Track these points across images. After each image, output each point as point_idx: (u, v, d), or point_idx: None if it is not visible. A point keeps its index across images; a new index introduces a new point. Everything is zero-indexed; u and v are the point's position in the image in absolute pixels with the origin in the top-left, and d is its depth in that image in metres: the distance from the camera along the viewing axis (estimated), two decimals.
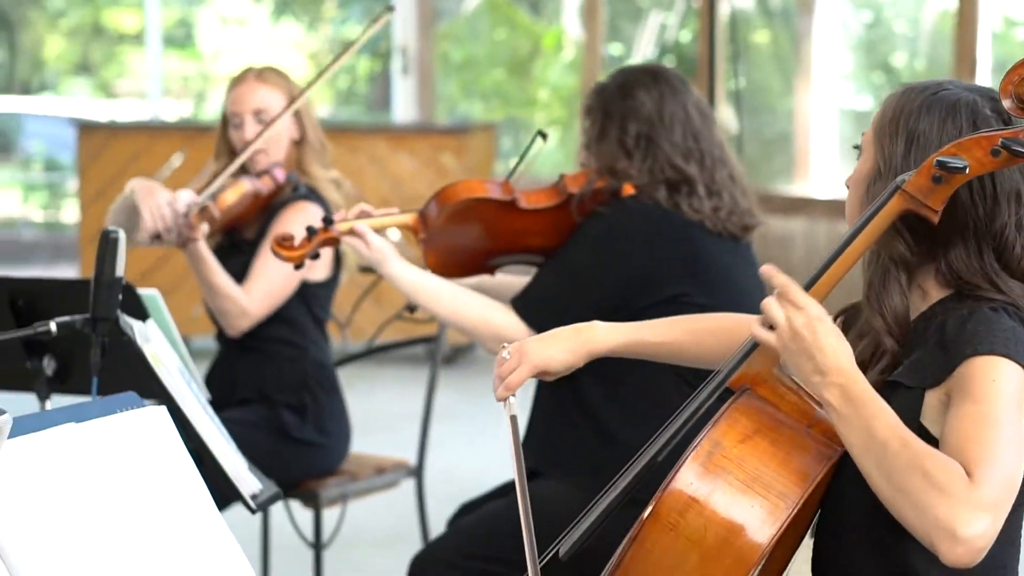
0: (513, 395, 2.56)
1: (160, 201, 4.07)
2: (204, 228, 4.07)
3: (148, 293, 3.63)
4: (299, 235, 3.49)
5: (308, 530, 4.41)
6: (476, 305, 3.45)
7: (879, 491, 2.12)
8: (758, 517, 2.16)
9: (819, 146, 9.03)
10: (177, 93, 15.73)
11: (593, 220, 3.57)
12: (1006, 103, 2.16)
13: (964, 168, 2.14)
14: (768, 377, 2.27)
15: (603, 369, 2.94)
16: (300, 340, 4.31)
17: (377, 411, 7.75)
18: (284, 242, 3.48)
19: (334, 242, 3.49)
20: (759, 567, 2.15)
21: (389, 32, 11.16)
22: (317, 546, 4.29)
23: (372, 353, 4.88)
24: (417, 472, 4.58)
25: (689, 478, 2.18)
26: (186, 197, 4.10)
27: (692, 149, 3.60)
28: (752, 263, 3.61)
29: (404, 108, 11.01)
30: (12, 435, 2.45)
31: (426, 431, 4.58)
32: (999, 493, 2.08)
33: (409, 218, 3.54)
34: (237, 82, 4.39)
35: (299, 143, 4.40)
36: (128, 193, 4.18)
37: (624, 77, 3.66)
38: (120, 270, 3.11)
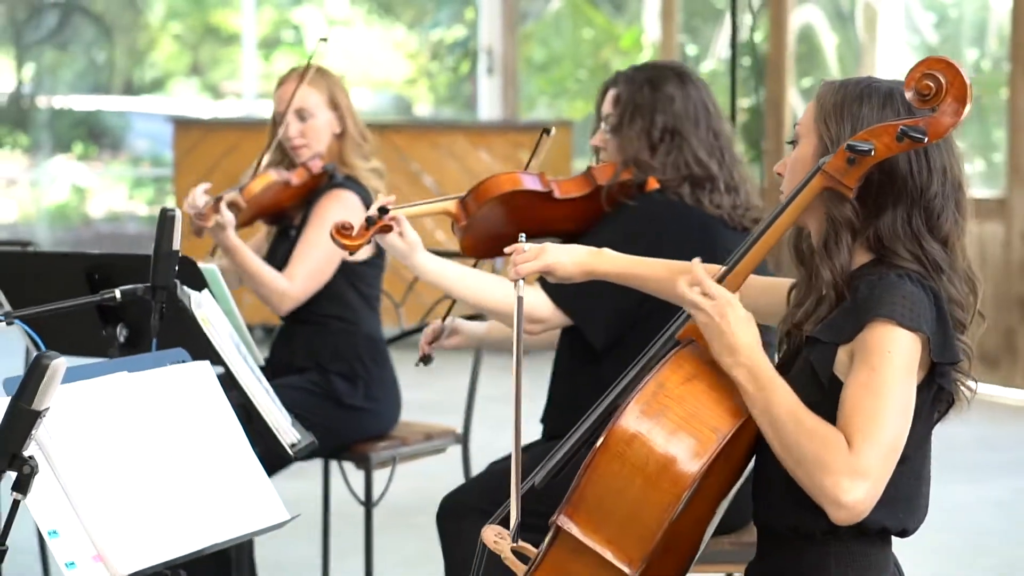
0: (522, 279, 2.95)
1: (187, 200, 4.50)
2: (228, 218, 4.45)
3: (207, 267, 4.04)
4: (357, 224, 3.70)
5: (361, 490, 4.80)
6: (500, 287, 3.68)
7: (779, 458, 2.51)
8: (692, 448, 2.52)
9: None
10: None
11: (622, 212, 3.82)
12: (908, 95, 2.51)
13: (870, 151, 2.50)
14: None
15: (625, 354, 3.19)
16: (351, 315, 4.72)
17: (427, 383, 8.20)
18: (343, 231, 3.68)
19: (388, 229, 3.73)
20: (692, 489, 2.51)
21: (475, 34, 11.56)
22: (367, 504, 4.70)
23: (423, 330, 5.26)
24: (463, 439, 4.96)
25: (635, 413, 2.55)
26: (201, 190, 4.50)
27: (714, 146, 3.83)
28: None
29: (489, 107, 11.42)
30: (74, 379, 2.86)
31: (472, 401, 4.96)
32: (878, 461, 2.46)
33: (451, 206, 3.82)
34: (282, 82, 4.82)
35: (340, 136, 4.80)
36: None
37: (652, 72, 3.86)
38: (176, 244, 3.52)
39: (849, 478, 2.44)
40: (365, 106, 17.10)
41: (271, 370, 4.71)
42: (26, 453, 2.47)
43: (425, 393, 7.72)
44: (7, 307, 4.17)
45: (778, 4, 9.46)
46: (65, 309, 3.56)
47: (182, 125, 9.84)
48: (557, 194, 3.88)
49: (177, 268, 3.61)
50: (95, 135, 16.74)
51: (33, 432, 2.47)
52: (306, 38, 17.27)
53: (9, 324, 3.55)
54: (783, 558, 2.64)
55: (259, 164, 4.70)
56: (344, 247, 3.69)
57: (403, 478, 5.05)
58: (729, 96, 6.11)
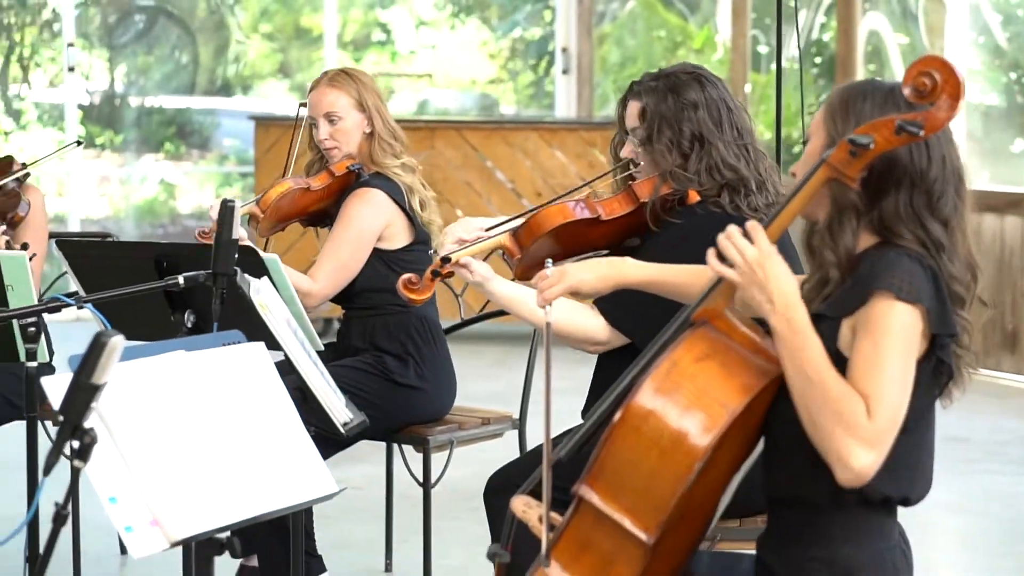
0: (550, 305, 3.12)
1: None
2: (242, 232, 4.62)
3: (269, 256, 4.25)
4: (424, 277, 3.85)
5: (420, 473, 4.99)
6: (567, 312, 3.80)
7: (801, 416, 2.66)
8: (703, 423, 2.68)
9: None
10: None
11: (669, 231, 3.86)
12: (906, 91, 2.68)
13: (869, 144, 2.66)
14: (723, 313, 2.80)
15: None
16: (400, 300, 4.92)
17: (495, 375, 8.43)
18: (411, 285, 3.84)
19: (451, 274, 3.85)
20: (703, 461, 2.68)
21: (552, 34, 11.74)
22: (425, 485, 4.89)
23: (482, 319, 5.47)
24: (520, 424, 5.14)
25: (650, 390, 2.72)
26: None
27: (739, 144, 3.90)
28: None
29: (566, 105, 11.60)
30: (133, 357, 3.06)
31: (528, 388, 5.15)
32: (886, 428, 2.63)
33: (505, 239, 3.90)
34: (312, 87, 5.06)
35: (370, 136, 5.01)
36: None
37: (671, 79, 3.90)
38: (236, 233, 3.74)
39: (861, 445, 2.60)
40: (452, 105, 17.34)
41: (333, 354, 4.94)
42: (86, 424, 2.66)
43: (493, 384, 7.93)
44: (81, 293, 4.40)
45: (846, 5, 9.57)
46: (131, 294, 3.78)
47: (262, 123, 10.09)
48: (604, 216, 3.94)
49: (239, 257, 3.84)
50: (184, 134, 17.06)
51: (93, 404, 2.66)
52: (396, 38, 17.51)
53: (80, 308, 3.77)
54: (790, 528, 2.80)
55: (285, 171, 4.95)
56: (412, 301, 3.86)
57: (464, 463, 5.23)
58: (799, 94, 6.21)
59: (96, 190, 15.88)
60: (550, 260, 3.21)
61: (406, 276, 3.85)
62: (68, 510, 2.69)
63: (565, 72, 11.64)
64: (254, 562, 4.96)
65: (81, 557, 5.32)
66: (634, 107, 3.97)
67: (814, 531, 2.77)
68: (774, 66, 6.24)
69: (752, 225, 2.74)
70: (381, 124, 5.00)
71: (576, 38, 11.59)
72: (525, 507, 2.91)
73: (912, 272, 2.69)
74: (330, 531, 5.76)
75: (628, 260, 3.24)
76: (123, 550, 5.62)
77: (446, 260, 3.78)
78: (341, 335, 5.07)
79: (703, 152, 3.87)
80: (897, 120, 2.66)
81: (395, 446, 5.27)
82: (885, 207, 2.77)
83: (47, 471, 2.67)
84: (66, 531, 5.14)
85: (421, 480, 4.91)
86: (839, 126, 2.79)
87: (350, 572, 5.42)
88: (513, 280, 3.96)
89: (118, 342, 2.65)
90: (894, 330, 2.65)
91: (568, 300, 3.79)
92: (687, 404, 2.70)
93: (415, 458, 5.02)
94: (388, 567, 5.48)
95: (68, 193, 12.83)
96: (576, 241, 3.97)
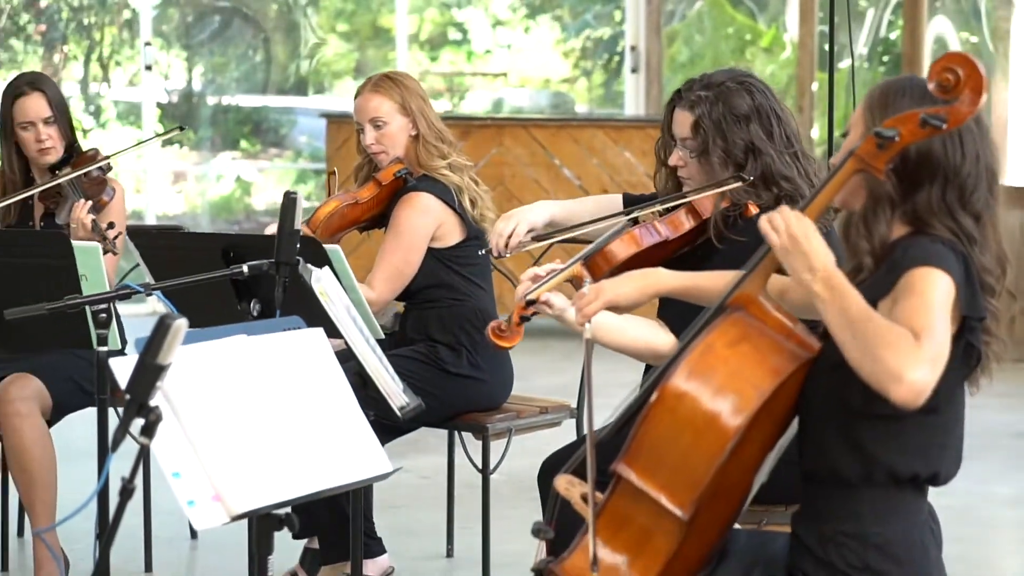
0: (589, 322, 3.24)
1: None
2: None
3: (331, 247, 4.40)
4: (511, 323, 3.79)
5: (479, 460, 5.13)
6: (641, 333, 3.82)
7: (849, 354, 2.74)
8: (735, 404, 2.81)
9: (1016, 138, 9.45)
10: (441, 91, 16.64)
11: (735, 249, 3.87)
12: (930, 86, 2.79)
13: (895, 137, 2.78)
14: (756, 299, 2.92)
15: None
16: (457, 294, 5.08)
17: (561, 368, 8.56)
18: (500, 333, 3.82)
19: (536, 313, 3.80)
20: (735, 441, 2.80)
21: (622, 33, 11.86)
22: (484, 471, 5.03)
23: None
24: (577, 413, 5.27)
25: (685, 373, 2.85)
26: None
27: (789, 152, 3.96)
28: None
29: (635, 104, 11.72)
30: (198, 340, 3.21)
31: (584, 377, 5.26)
32: (935, 354, 2.71)
33: (578, 269, 3.87)
34: (357, 93, 5.19)
35: (416, 138, 5.14)
36: None
37: (719, 89, 3.93)
38: (298, 224, 3.90)
39: (913, 359, 2.68)
40: (526, 104, 17.46)
41: (391, 344, 5.09)
42: (152, 403, 2.81)
43: (559, 378, 8.06)
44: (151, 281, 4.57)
45: (913, 4, 9.63)
46: (198, 282, 3.94)
47: (334, 121, 10.26)
48: (670, 237, 4.00)
49: (302, 247, 3.99)
50: (259, 132, 17.30)
51: (158, 384, 2.81)
52: (472, 38, 17.67)
53: (148, 295, 3.94)
54: (823, 504, 2.92)
55: (328, 188, 5.11)
56: (500, 347, 3.85)
57: (525, 454, 5.37)
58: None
59: (172, 187, 16.13)
60: (588, 278, 3.31)
61: (494, 324, 3.84)
62: (134, 484, 2.81)
63: (634, 71, 11.76)
64: (316, 544, 5.12)
65: (152, 541, 5.51)
66: (683, 117, 4.01)
67: (845, 508, 2.89)
68: (841, 65, 6.33)
69: (787, 209, 2.86)
70: (426, 127, 5.12)
71: (645, 37, 11.70)
72: (568, 485, 3.03)
73: (944, 254, 2.81)
74: (396, 518, 5.92)
75: (661, 269, 3.35)
76: (193, 534, 5.79)
77: (530, 303, 3.78)
78: (401, 328, 5.22)
79: (757, 163, 3.94)
80: (921, 114, 2.77)
81: (456, 437, 5.42)
82: (919, 200, 2.88)
83: (114, 447, 2.80)
84: (137, 516, 5.38)
85: (480, 467, 5.05)
86: (877, 120, 2.90)
87: (413, 558, 5.57)
88: None
89: (181, 324, 2.79)
90: (936, 289, 2.76)
91: (632, 317, 3.81)
92: (720, 386, 2.82)
93: (476, 447, 5.16)
94: (450, 552, 5.63)
95: (145, 190, 13.06)
96: (644, 265, 4.00)
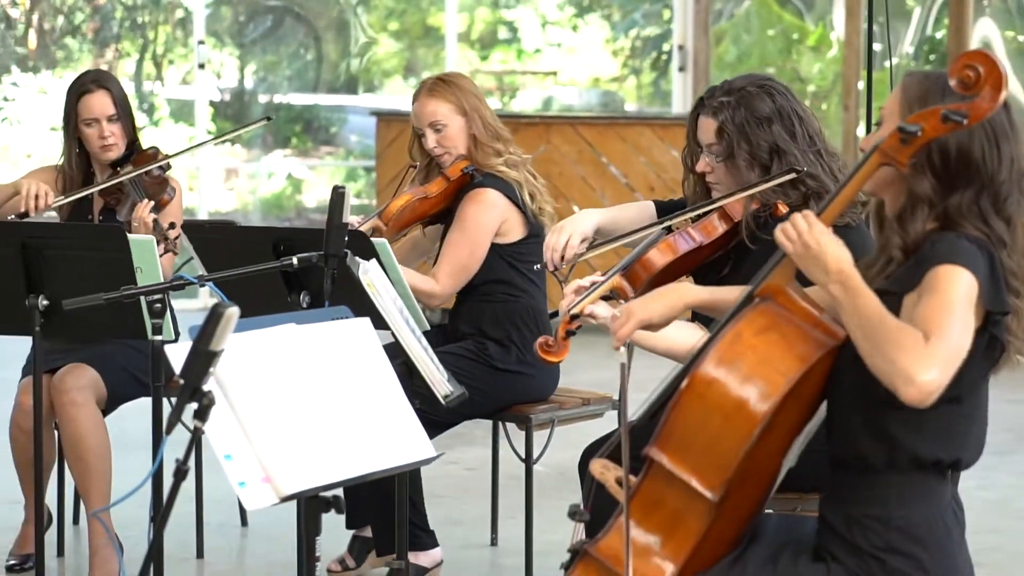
0: (624, 346, 3.34)
1: None
2: (354, 219, 4.89)
3: (379, 240, 4.53)
4: (558, 337, 3.95)
5: (523, 450, 5.25)
6: (680, 335, 3.81)
7: (863, 353, 2.87)
8: (763, 390, 2.92)
9: None
10: (492, 89, 16.78)
11: (765, 247, 3.82)
12: (952, 82, 2.89)
13: (917, 132, 2.88)
14: (784, 289, 3.03)
15: None
16: (513, 290, 5.19)
17: (609, 365, 8.65)
18: (548, 348, 3.97)
19: (579, 327, 3.96)
20: (763, 425, 2.91)
21: (670, 32, 11.95)
22: (527, 461, 5.15)
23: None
24: (619, 404, 5.38)
25: (714, 360, 2.96)
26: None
27: (813, 151, 4.06)
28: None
29: (682, 102, 11.82)
30: (249, 328, 3.33)
31: (621, 398, 5.37)
32: (947, 355, 2.83)
33: (617, 281, 4.04)
34: (414, 98, 5.30)
35: (473, 138, 5.26)
36: None
37: (741, 94, 4.05)
38: (346, 218, 4.03)
39: (922, 361, 2.80)
40: (576, 103, 17.57)
41: (442, 338, 5.22)
42: (204, 388, 2.94)
43: (604, 374, 8.16)
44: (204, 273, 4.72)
45: (959, 3, 9.70)
46: (248, 274, 4.08)
47: (383, 119, 10.41)
48: (704, 242, 4.13)
49: (351, 240, 4.12)
50: (311, 130, 17.47)
51: (211, 370, 2.93)
52: (522, 36, 17.79)
53: (202, 286, 4.08)
54: (849, 488, 3.03)
55: (401, 182, 5.22)
56: (549, 363, 4.02)
57: (569, 446, 5.47)
58: None
59: (224, 184, 16.32)
60: (622, 301, 3.41)
61: (542, 339, 3.97)
62: (188, 466, 2.93)
63: (681, 69, 11.86)
64: (367, 532, 5.25)
65: (204, 528, 5.65)
66: (707, 124, 4.13)
67: (871, 491, 2.99)
68: (887, 63, 6.41)
69: (805, 213, 2.97)
70: (481, 126, 5.23)
71: (692, 36, 11.79)
72: (603, 469, 3.15)
73: (969, 250, 2.91)
74: (442, 509, 6.04)
75: (687, 284, 3.47)
76: (243, 521, 5.94)
77: (574, 317, 3.91)
78: (451, 320, 5.34)
79: (781, 164, 4.04)
80: (943, 110, 2.88)
81: (501, 430, 5.53)
82: (952, 202, 2.99)
83: (168, 430, 2.93)
84: (189, 503, 5.53)
85: (524, 456, 5.17)
86: (911, 113, 3.00)
87: (459, 546, 5.69)
88: None
89: (233, 312, 2.91)
90: (957, 288, 2.87)
91: (682, 323, 3.91)
92: (748, 373, 2.94)
93: (520, 438, 5.28)
94: (494, 541, 5.75)
95: (198, 187, 13.24)
96: (681, 268, 4.17)
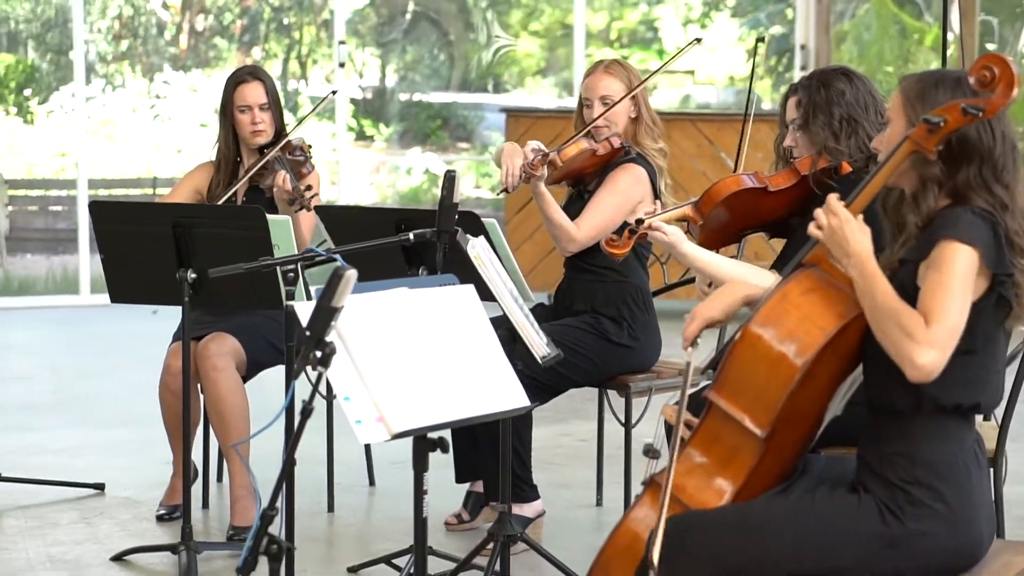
0: (692, 345, 3.76)
1: (516, 162, 5.46)
2: (544, 172, 5.41)
3: (489, 220, 5.02)
4: (623, 235, 4.61)
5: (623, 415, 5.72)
6: (749, 273, 4.38)
7: (875, 331, 3.35)
8: (803, 342, 3.38)
9: None
10: None
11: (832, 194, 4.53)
12: (971, 80, 3.34)
13: (941, 123, 3.33)
14: (829, 257, 3.48)
15: None
16: (624, 269, 5.64)
17: (705, 343, 9.05)
18: (612, 242, 4.61)
19: (644, 235, 4.56)
20: (802, 372, 3.37)
21: (792, 31, 12.32)
22: (627, 425, 5.63)
23: (683, 284, 6.18)
24: (714, 376, 5.82)
25: (763, 316, 3.42)
26: (534, 145, 5.46)
27: (883, 124, 4.44)
28: None
29: None
30: (368, 289, 3.81)
31: (720, 340, 5.83)
32: (945, 336, 3.30)
33: (688, 210, 4.65)
34: (589, 72, 5.78)
35: (635, 120, 5.74)
36: (499, 149, 5.64)
37: (822, 75, 4.63)
38: (456, 198, 4.53)
39: (922, 346, 3.28)
40: (712, 101, 17.95)
41: (553, 314, 5.70)
42: (327, 339, 3.42)
43: (700, 354, 8.57)
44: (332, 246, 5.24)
45: None
46: (370, 247, 4.58)
47: (513, 115, 10.92)
48: (771, 188, 4.67)
49: (464, 219, 4.62)
50: (449, 127, 18.04)
51: (333, 323, 3.42)
52: (663, 36, 18.21)
53: (331, 259, 4.58)
54: (882, 429, 3.48)
55: (571, 137, 5.66)
56: (613, 255, 4.61)
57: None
58: None
59: (365, 179, 16.91)
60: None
61: (608, 237, 4.59)
62: (312, 406, 3.41)
63: (803, 68, 12.23)
64: (479, 488, 5.75)
65: (335, 488, 6.17)
66: (792, 102, 4.66)
67: (900, 432, 3.44)
68: None
69: (831, 198, 3.42)
70: (646, 110, 5.73)
71: (815, 36, 12.17)
72: (673, 413, 3.63)
73: (972, 223, 3.36)
74: (553, 474, 6.52)
75: (740, 283, 3.87)
76: (371, 481, 6.45)
77: (640, 221, 4.51)
78: (559, 298, 5.81)
79: (852, 130, 4.55)
80: (963, 104, 3.33)
81: (606, 402, 6.00)
82: (960, 179, 3.44)
83: (296, 375, 3.41)
84: (321, 465, 6.05)
85: (623, 421, 5.64)
86: (918, 110, 3.45)
87: (567, 506, 6.16)
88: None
89: (352, 274, 3.38)
90: (954, 265, 3.32)
91: (745, 264, 4.49)
92: (792, 327, 3.40)
93: (620, 406, 5.75)
94: (599, 502, 6.22)
95: (339, 182, 13.78)
96: (747, 211, 4.68)
